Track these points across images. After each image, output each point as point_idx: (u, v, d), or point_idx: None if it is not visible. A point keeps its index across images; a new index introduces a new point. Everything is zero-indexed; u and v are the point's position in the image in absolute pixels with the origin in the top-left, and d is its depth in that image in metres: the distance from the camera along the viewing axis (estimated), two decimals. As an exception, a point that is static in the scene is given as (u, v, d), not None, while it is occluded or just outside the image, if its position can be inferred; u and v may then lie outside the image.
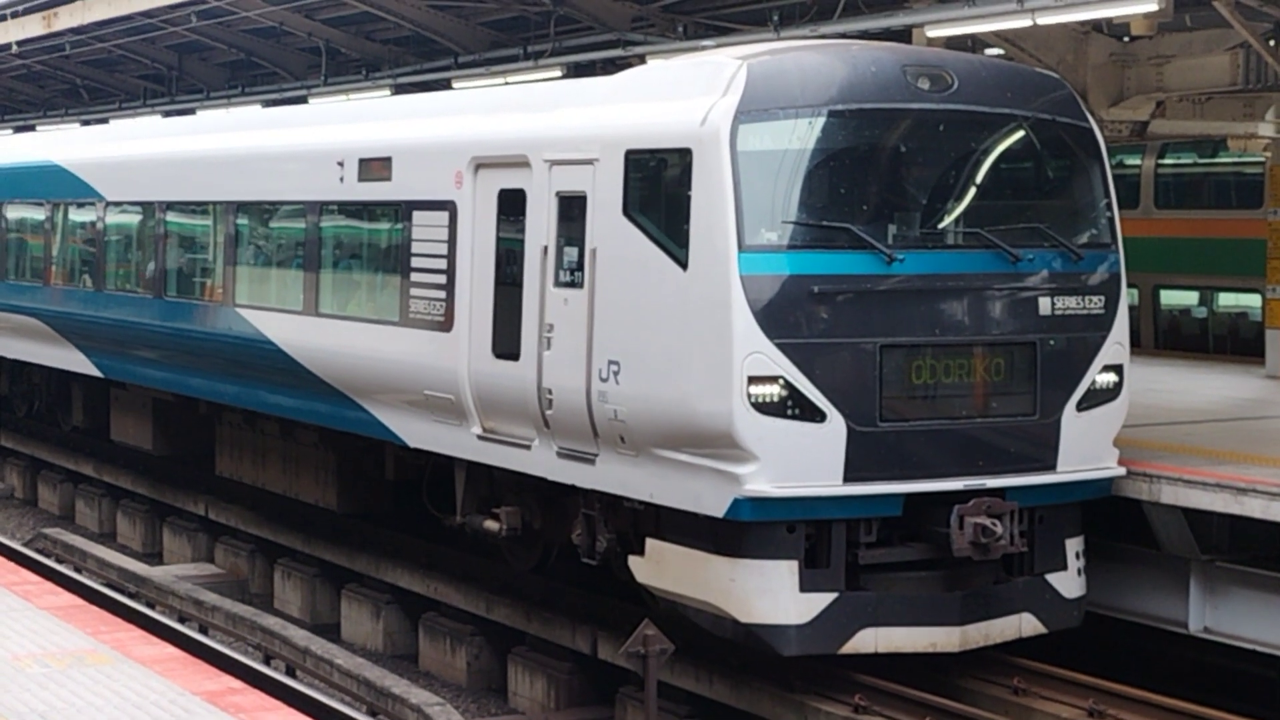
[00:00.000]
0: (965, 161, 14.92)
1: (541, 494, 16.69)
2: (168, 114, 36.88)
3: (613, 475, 15.02)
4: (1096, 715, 14.07)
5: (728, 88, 14.08)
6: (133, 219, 24.58)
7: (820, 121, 14.19)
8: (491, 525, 17.17)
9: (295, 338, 19.69)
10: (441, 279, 17.02)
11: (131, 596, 20.24)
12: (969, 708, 14.35)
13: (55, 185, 26.87)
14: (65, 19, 34.54)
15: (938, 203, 14.86)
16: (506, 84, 25.87)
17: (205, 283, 22.35)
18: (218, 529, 24.70)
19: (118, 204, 24.98)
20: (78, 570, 22.05)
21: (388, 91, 29.94)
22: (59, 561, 22.56)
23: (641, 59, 24.30)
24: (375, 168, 18.27)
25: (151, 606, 19.84)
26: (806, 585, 14.00)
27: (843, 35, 21.10)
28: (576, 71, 25.46)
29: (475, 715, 17.65)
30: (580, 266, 15.12)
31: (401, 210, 17.82)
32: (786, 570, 13.95)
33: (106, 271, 25.16)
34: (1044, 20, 18.63)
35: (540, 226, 15.66)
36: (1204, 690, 15.48)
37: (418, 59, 30.29)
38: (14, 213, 28.92)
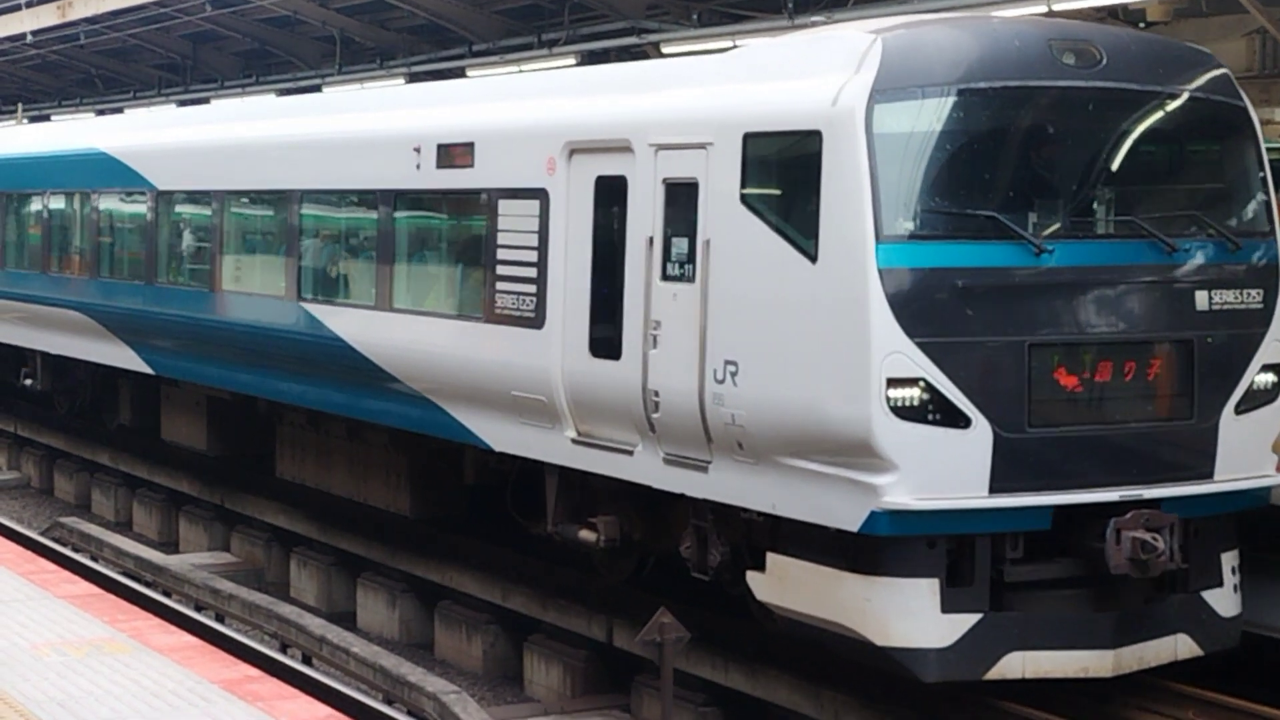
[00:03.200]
0: (1115, 143, 13.42)
1: (642, 502, 15.22)
2: (182, 103, 35.79)
3: (728, 484, 13.55)
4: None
5: (860, 64, 12.63)
6: (187, 209, 22.74)
7: (962, 101, 12.80)
8: (587, 536, 15.62)
9: (367, 334, 18.08)
10: (531, 272, 15.47)
11: (148, 585, 19.53)
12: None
13: (101, 174, 24.75)
14: (80, 8, 33.41)
15: (1087, 188, 13.39)
16: (520, 72, 25.82)
17: (267, 276, 20.60)
18: (234, 518, 23.81)
19: (170, 193, 22.92)
20: (94, 559, 21.23)
21: (401, 81, 28.29)
22: (76, 550, 21.68)
23: (656, 47, 24.35)
24: (456, 154, 16.75)
25: (168, 595, 19.14)
26: (949, 605, 12.62)
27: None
28: (591, 59, 24.21)
29: (491, 703, 16.97)
30: (691, 259, 13.73)
31: (486, 199, 16.21)
32: (927, 589, 12.57)
33: (158, 264, 23.08)
34: (1060, 7, 18.55)
35: (644, 216, 14.22)
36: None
37: (432, 47, 28.84)
38: (56, 203, 26.68)
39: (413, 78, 28.16)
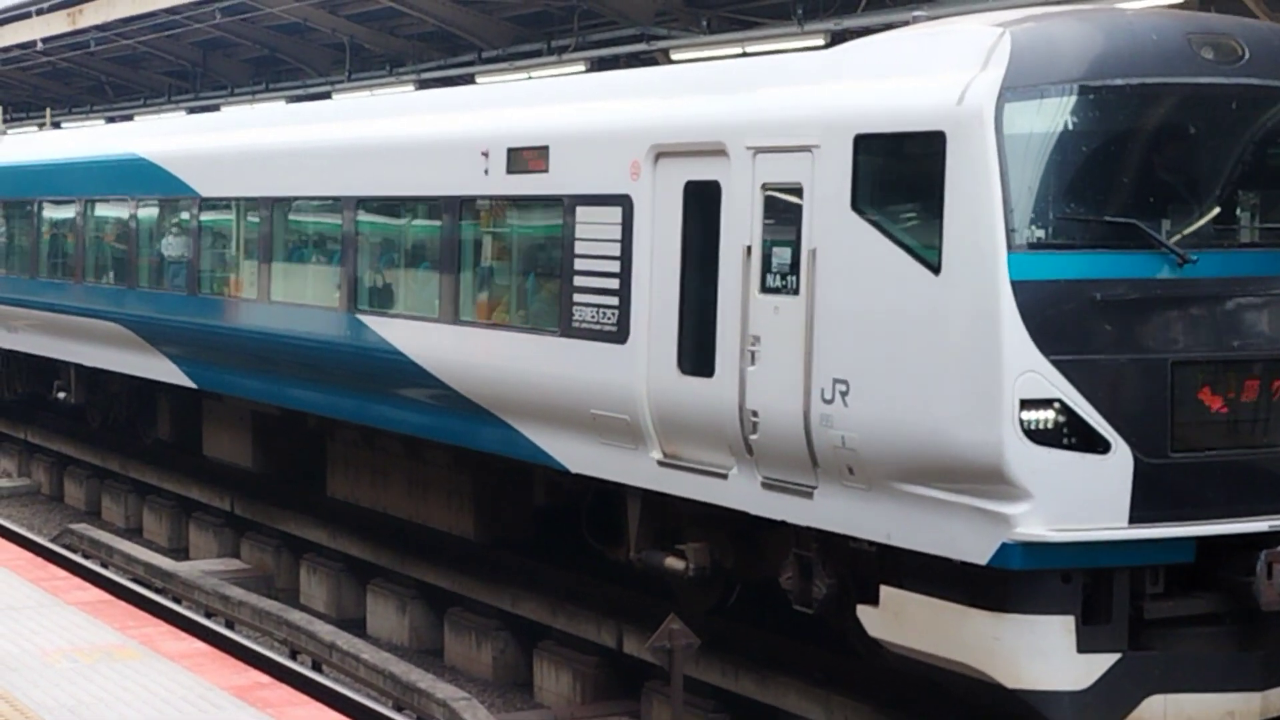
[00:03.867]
0: (1260, 145, 12.31)
1: (734, 529, 14.11)
2: (192, 110, 35.08)
3: (836, 511, 12.47)
4: None
5: (987, 60, 11.58)
6: (232, 217, 21.48)
7: (1098, 99, 11.72)
8: (674, 564, 14.53)
9: (429, 348, 16.91)
10: (613, 284, 14.35)
11: (158, 592, 19.18)
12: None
13: (140, 181, 23.34)
14: (90, 16, 32.37)
15: (1232, 194, 12.28)
16: (530, 78, 25.18)
17: (319, 287, 19.40)
18: (243, 524, 23.31)
19: (215, 201, 21.64)
20: (105, 566, 20.79)
21: (411, 87, 27.81)
22: (86, 557, 21.23)
23: (666, 54, 24.33)
24: (528, 158, 15.68)
25: (178, 602, 18.81)
26: (1085, 644, 11.58)
27: (866, 29, 21.07)
28: (600, 66, 23.77)
29: (501, 710, 16.79)
30: (794, 270, 12.63)
31: (562, 206, 15.09)
32: (1061, 627, 11.54)
33: (202, 274, 21.77)
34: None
35: (741, 224, 13.08)
36: None
37: (441, 54, 28.11)
38: (92, 210, 25.36)
39: (422, 84, 27.94)
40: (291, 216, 20.27)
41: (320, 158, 19.36)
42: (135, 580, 20.06)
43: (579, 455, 15.19)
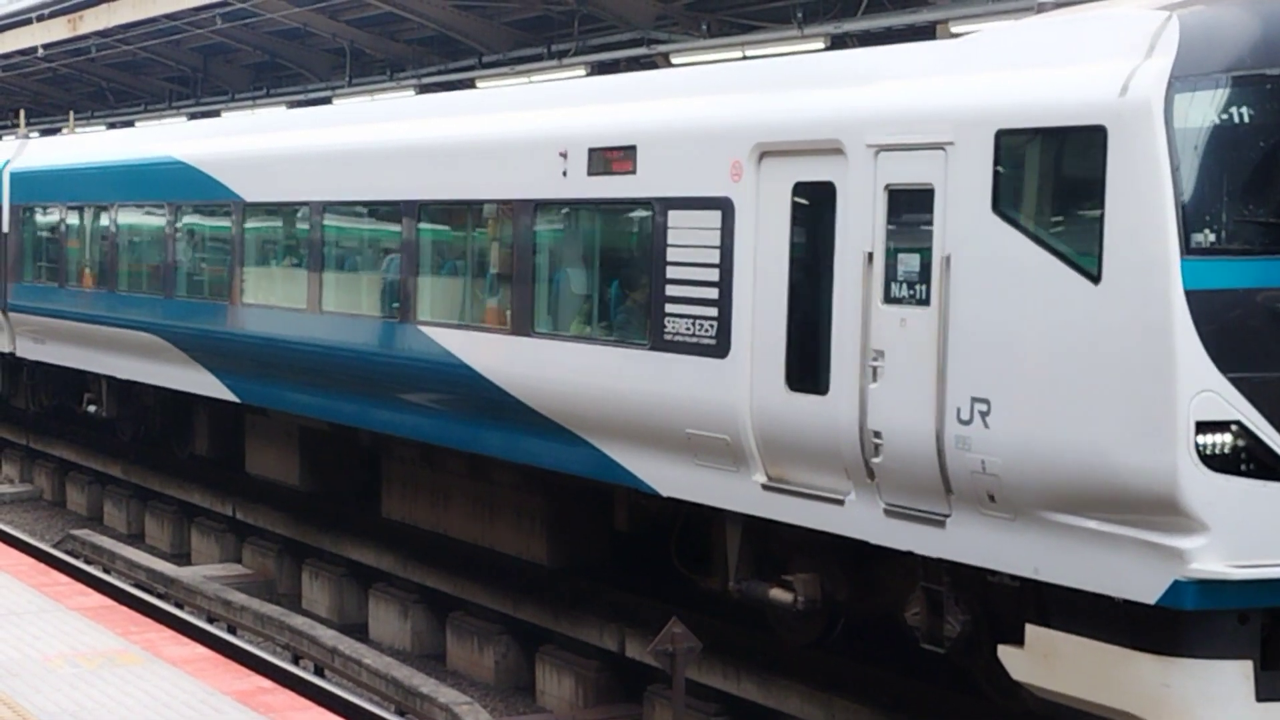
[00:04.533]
0: None
1: (847, 558, 13.17)
2: (193, 116, 34.67)
3: (974, 542, 11.46)
4: None
5: (1152, 46, 10.60)
6: (280, 223, 20.45)
7: (1278, 89, 10.64)
8: (780, 596, 13.51)
9: (499, 361, 15.85)
10: (711, 293, 13.34)
11: (160, 597, 19.32)
12: None
13: (178, 185, 22.22)
14: (91, 22, 32.65)
15: None
16: (530, 82, 25.10)
17: (376, 296, 18.31)
18: (245, 529, 23.22)
19: (260, 206, 20.54)
20: (107, 571, 21.01)
21: (411, 92, 27.81)
22: (88, 563, 21.46)
23: (666, 58, 24.34)
24: (612, 159, 14.64)
25: (180, 607, 18.95)
26: (1265, 692, 10.58)
27: (866, 33, 21.12)
28: (600, 70, 23.76)
29: (503, 714, 16.84)
30: (924, 278, 11.61)
31: (651, 210, 14.06)
32: (1238, 672, 10.54)
33: (246, 283, 20.65)
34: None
35: (860, 228, 12.06)
36: None
37: (442, 59, 28.05)
38: (126, 216, 24.11)
39: (423, 89, 27.96)
40: (344, 222, 19.26)
41: (376, 160, 18.30)
42: (137, 585, 20.10)
43: (670, 477, 14.14)
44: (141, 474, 26.77)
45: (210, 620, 18.69)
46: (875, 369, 11.98)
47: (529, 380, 15.55)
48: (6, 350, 27.97)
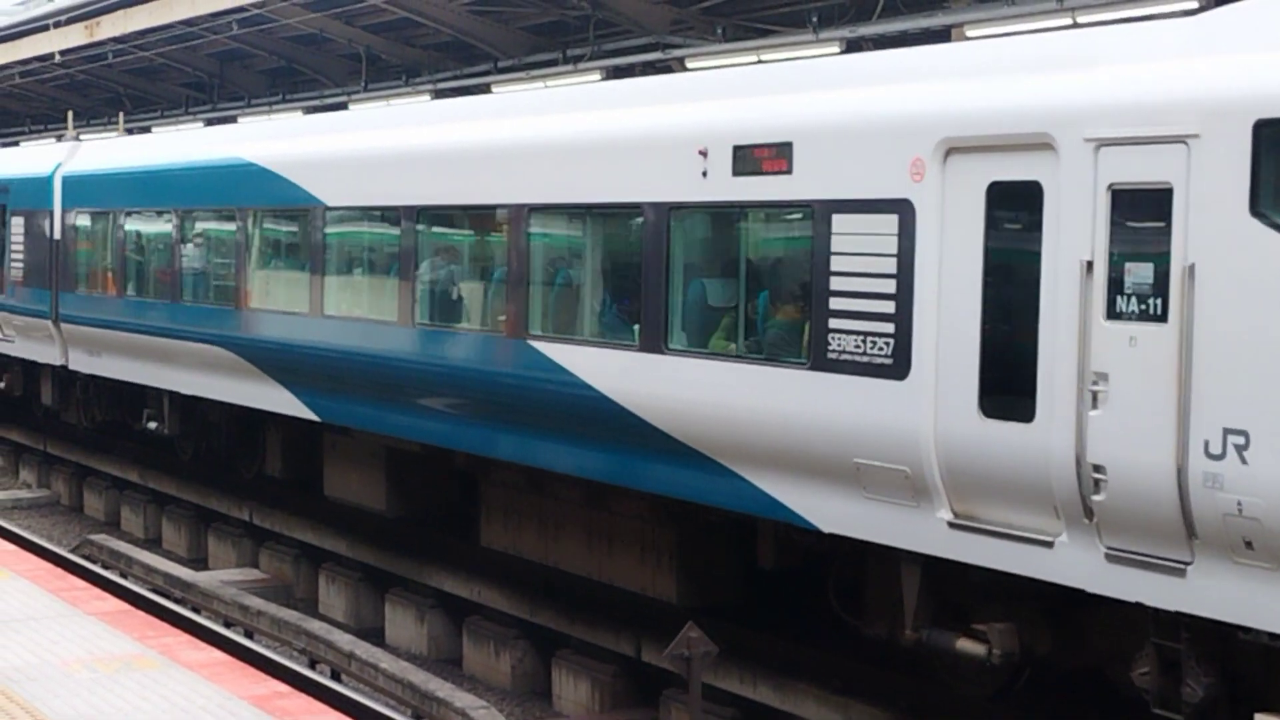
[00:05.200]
0: None
1: (1050, 606, 12.00)
2: (210, 122, 34.34)
3: (1223, 594, 10.08)
4: None
5: None
6: (368, 229, 18.92)
7: None
8: (970, 647, 12.17)
9: (625, 380, 14.43)
10: (887, 307, 11.94)
11: (177, 602, 19.27)
12: None
13: (251, 188, 20.81)
14: (108, 28, 32.12)
15: None
16: (546, 86, 24.69)
17: (479, 309, 16.94)
18: (262, 534, 23.40)
19: (343, 210, 19.05)
20: (124, 576, 20.97)
21: (427, 97, 27.78)
22: (105, 568, 21.37)
23: (681, 63, 24.29)
24: (763, 157, 13.17)
25: (197, 611, 18.94)
26: None
27: (881, 36, 21.11)
28: (615, 75, 23.58)
29: (520, 718, 16.98)
30: (1161, 290, 10.25)
31: (811, 213, 12.61)
32: None
33: (327, 293, 19.18)
34: (1084, 19, 18.44)
35: (1075, 233, 10.71)
36: None
37: (457, 64, 27.77)
38: (191, 222, 22.62)
39: (438, 94, 27.94)
40: (441, 228, 17.75)
41: (480, 160, 16.78)
42: (154, 590, 20.11)
43: (833, 512, 12.69)
44: (158, 479, 26.78)
45: (227, 625, 18.70)
46: (1096, 394, 10.63)
47: (660, 401, 14.14)
48: (57, 363, 26.73)
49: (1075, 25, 17.11)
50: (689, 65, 22.86)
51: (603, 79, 23.69)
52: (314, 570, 21.96)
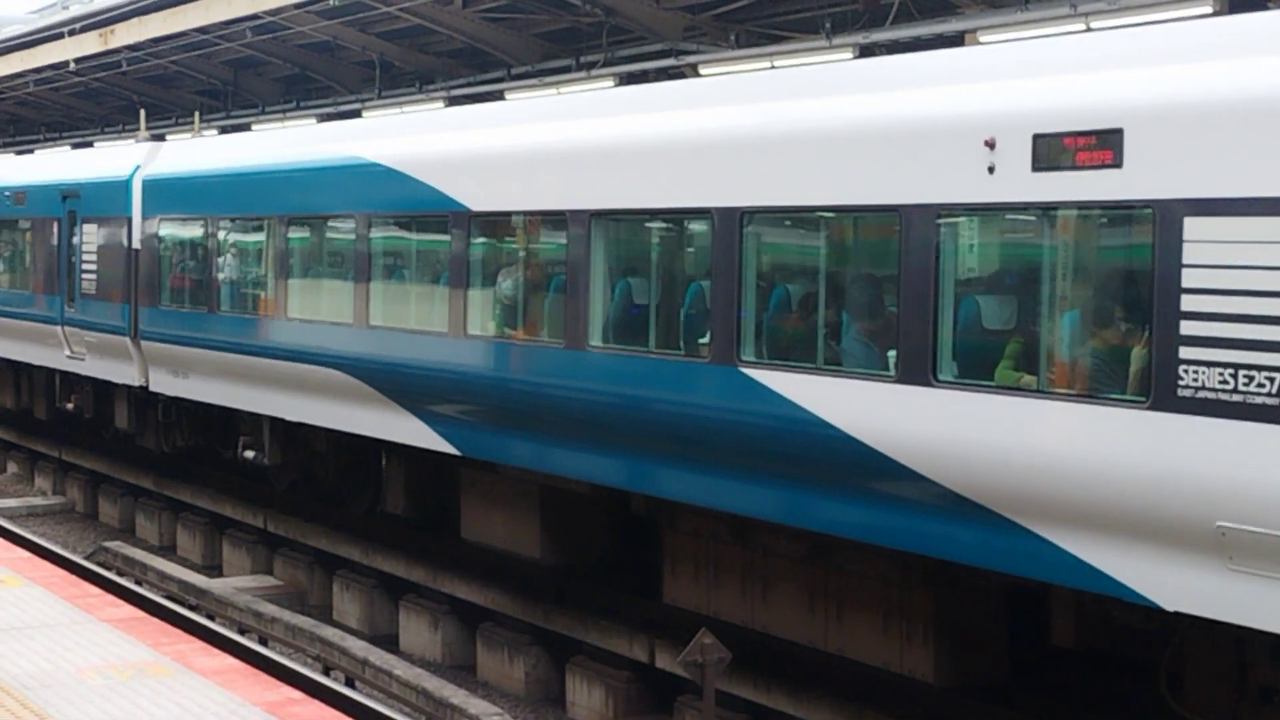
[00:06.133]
0: None
1: None
2: (223, 130, 34.01)
3: None
4: None
5: None
6: (524, 237, 16.42)
7: None
8: None
9: (874, 416, 12.15)
10: (1273, 333, 9.76)
11: (192, 609, 19.29)
12: None
13: (373, 192, 18.41)
14: (122, 36, 32.06)
15: None
16: (559, 94, 25.23)
17: (677, 329, 14.41)
18: (276, 541, 23.28)
19: (493, 217, 16.65)
20: (138, 583, 20.91)
21: (441, 105, 27.86)
22: (120, 574, 21.31)
23: (694, 69, 24.28)
24: (1079, 148, 10.86)
25: (211, 618, 18.95)
26: None
27: (894, 42, 21.09)
28: (629, 81, 23.65)
29: None
30: None
31: (1151, 217, 10.33)
32: None
33: (471, 310, 16.76)
34: (1097, 25, 17.93)
35: None
36: None
37: (471, 71, 27.98)
38: (299, 230, 20.23)
39: (452, 101, 28.11)
40: (619, 235, 15.49)
41: (674, 156, 14.35)
42: (168, 597, 20.11)
43: (1184, 586, 10.43)
44: (173, 486, 26.79)
45: (241, 632, 18.70)
46: None
47: (926, 442, 11.87)
48: (136, 384, 24.44)
49: (1088, 30, 17.08)
50: (701, 71, 22.88)
51: (617, 85, 23.67)
52: (328, 577, 21.96)
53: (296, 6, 27.03)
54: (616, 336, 15.09)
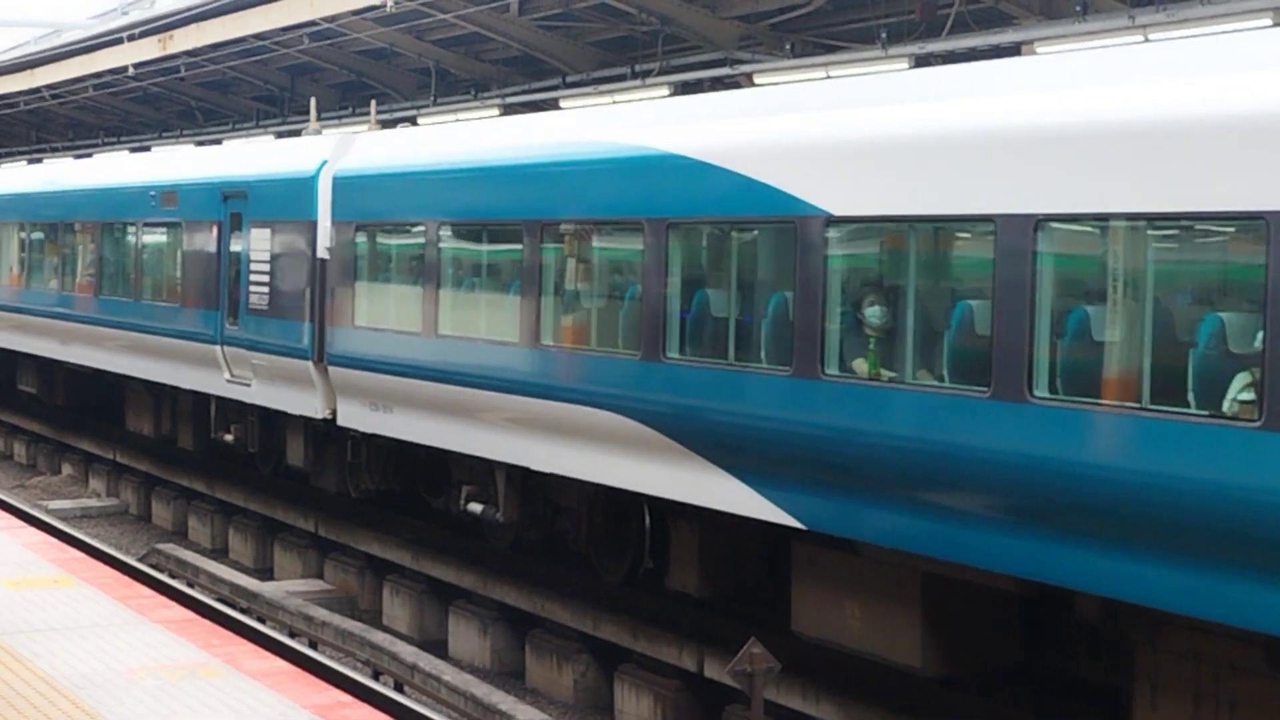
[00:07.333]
0: None
1: None
2: (280, 135, 33.86)
3: None
4: None
5: None
6: (915, 250, 12.55)
7: None
8: None
9: None
10: None
11: (243, 611, 19.33)
12: None
13: (676, 193, 14.62)
14: (180, 41, 32.23)
15: None
16: (614, 103, 25.64)
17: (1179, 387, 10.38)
18: (327, 545, 23.21)
19: (861, 224, 12.72)
20: (190, 585, 20.94)
21: (496, 112, 28.12)
22: (172, 576, 21.43)
23: (749, 78, 24.26)
24: None
25: (262, 621, 18.99)
26: None
27: (951, 53, 21.04)
28: (684, 90, 23.62)
29: None
30: None
31: None
32: None
33: (829, 344, 12.92)
34: (1155, 36, 18.08)
35: None
36: None
37: (526, 79, 27.89)
38: (557, 238, 16.41)
39: (506, 109, 28.21)
40: (1070, 248, 11.42)
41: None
42: (220, 599, 20.17)
43: None
44: (226, 489, 26.89)
45: (291, 635, 18.73)
46: None
47: None
48: (319, 416, 21.00)
49: (1147, 41, 16.97)
50: (757, 81, 22.85)
51: (671, 94, 23.66)
52: (378, 582, 21.99)
53: (354, 13, 27.14)
54: (1071, 385, 11.00)
